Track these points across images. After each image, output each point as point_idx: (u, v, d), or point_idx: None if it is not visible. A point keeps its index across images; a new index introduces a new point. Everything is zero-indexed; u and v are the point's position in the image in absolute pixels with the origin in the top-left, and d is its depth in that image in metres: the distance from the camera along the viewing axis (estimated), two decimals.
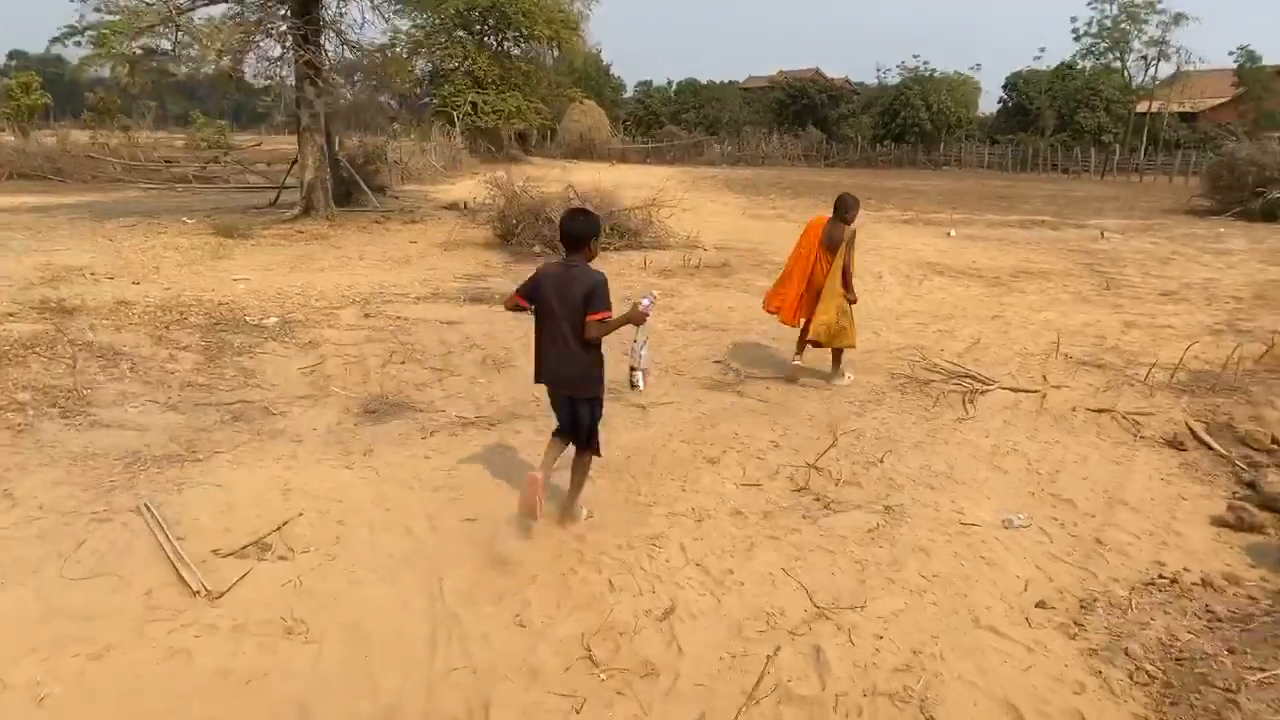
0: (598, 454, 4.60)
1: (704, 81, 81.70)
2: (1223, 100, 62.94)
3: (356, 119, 20.88)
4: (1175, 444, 6.23)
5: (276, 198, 18.70)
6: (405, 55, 28.13)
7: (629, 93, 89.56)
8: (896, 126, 61.41)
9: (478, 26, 44.08)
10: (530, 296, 4.41)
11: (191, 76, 18.70)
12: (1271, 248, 17.65)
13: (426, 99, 41.16)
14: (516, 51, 46.32)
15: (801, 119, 69.16)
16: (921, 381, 7.21)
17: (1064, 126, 61.01)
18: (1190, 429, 6.41)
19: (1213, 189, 26.78)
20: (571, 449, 4.54)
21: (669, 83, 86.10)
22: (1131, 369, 7.62)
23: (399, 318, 8.72)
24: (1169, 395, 6.93)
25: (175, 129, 55.85)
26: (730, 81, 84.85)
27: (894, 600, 3.89)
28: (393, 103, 24.60)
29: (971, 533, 4.69)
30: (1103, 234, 19.14)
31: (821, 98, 70.14)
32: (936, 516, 4.86)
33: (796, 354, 7.22)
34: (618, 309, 4.45)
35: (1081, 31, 60.45)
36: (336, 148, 18.78)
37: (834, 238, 6.93)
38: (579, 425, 4.48)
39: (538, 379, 4.53)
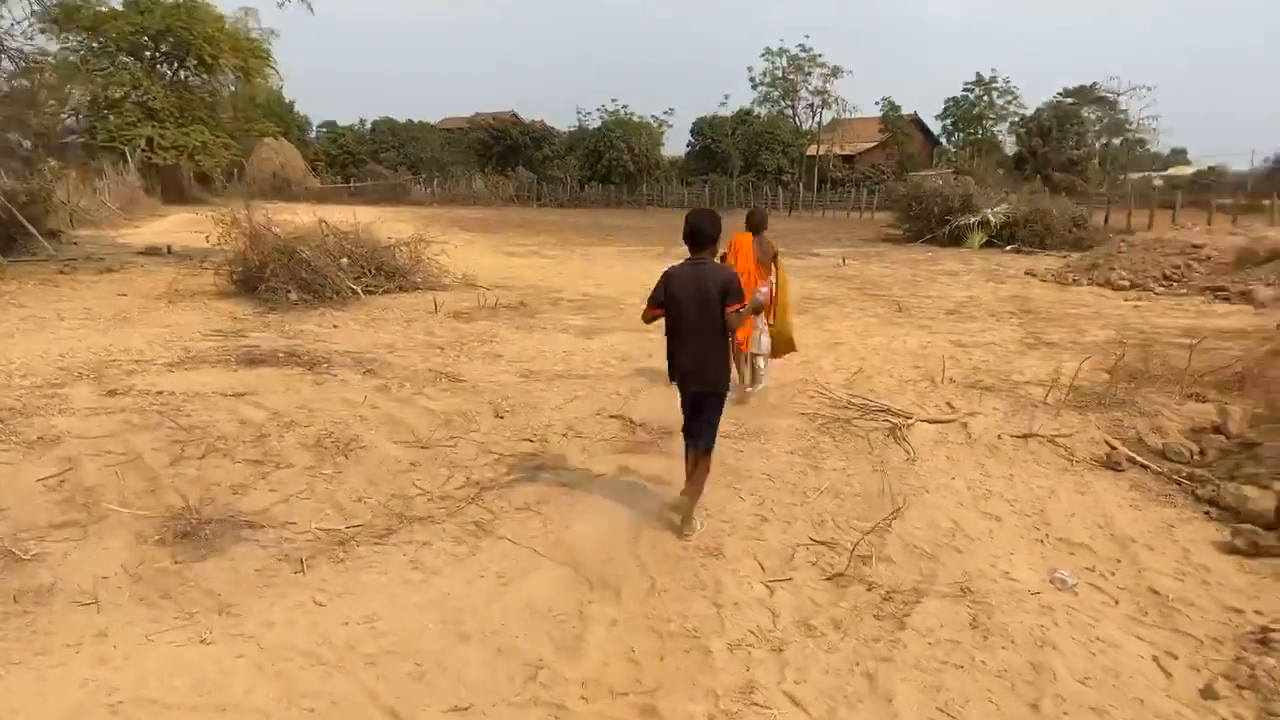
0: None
1: (401, 120, 78.96)
2: (872, 144, 71.96)
3: None
4: (1112, 465, 5.94)
5: None
6: (54, 81, 23.56)
7: (313, 133, 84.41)
8: (602, 167, 63.07)
9: (148, 53, 38.68)
10: (662, 301, 4.49)
11: None
12: (982, 268, 19.59)
13: (74, 134, 35.03)
14: (196, 81, 41.29)
15: (505, 159, 68.92)
16: (841, 420, 6.42)
17: (749, 167, 66.26)
18: (1112, 447, 6.19)
19: (904, 219, 29.80)
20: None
21: (361, 121, 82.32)
22: (1020, 390, 7.42)
23: (160, 393, 6.42)
24: (1073, 414, 6.72)
25: None
26: (425, 121, 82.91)
27: None
28: (25, 141, 20.12)
29: (1050, 604, 3.88)
30: (843, 260, 20.24)
31: (525, 139, 70.39)
32: (999, 588, 4.00)
33: (742, 382, 6.98)
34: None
35: (758, 81, 66.11)
36: None
37: (766, 252, 7.13)
38: (700, 421, 4.57)
39: (673, 378, 4.65)
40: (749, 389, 7.05)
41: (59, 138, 32.53)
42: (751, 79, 65.71)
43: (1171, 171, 75.80)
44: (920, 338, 10.06)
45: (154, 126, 36.78)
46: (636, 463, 5.36)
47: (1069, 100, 68.39)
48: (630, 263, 18.96)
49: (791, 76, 65.87)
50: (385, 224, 28.83)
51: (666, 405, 6.55)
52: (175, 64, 38.87)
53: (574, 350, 8.90)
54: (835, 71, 64.33)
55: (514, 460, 5.24)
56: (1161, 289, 15.16)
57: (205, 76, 39.89)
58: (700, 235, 4.53)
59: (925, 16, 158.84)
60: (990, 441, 6.21)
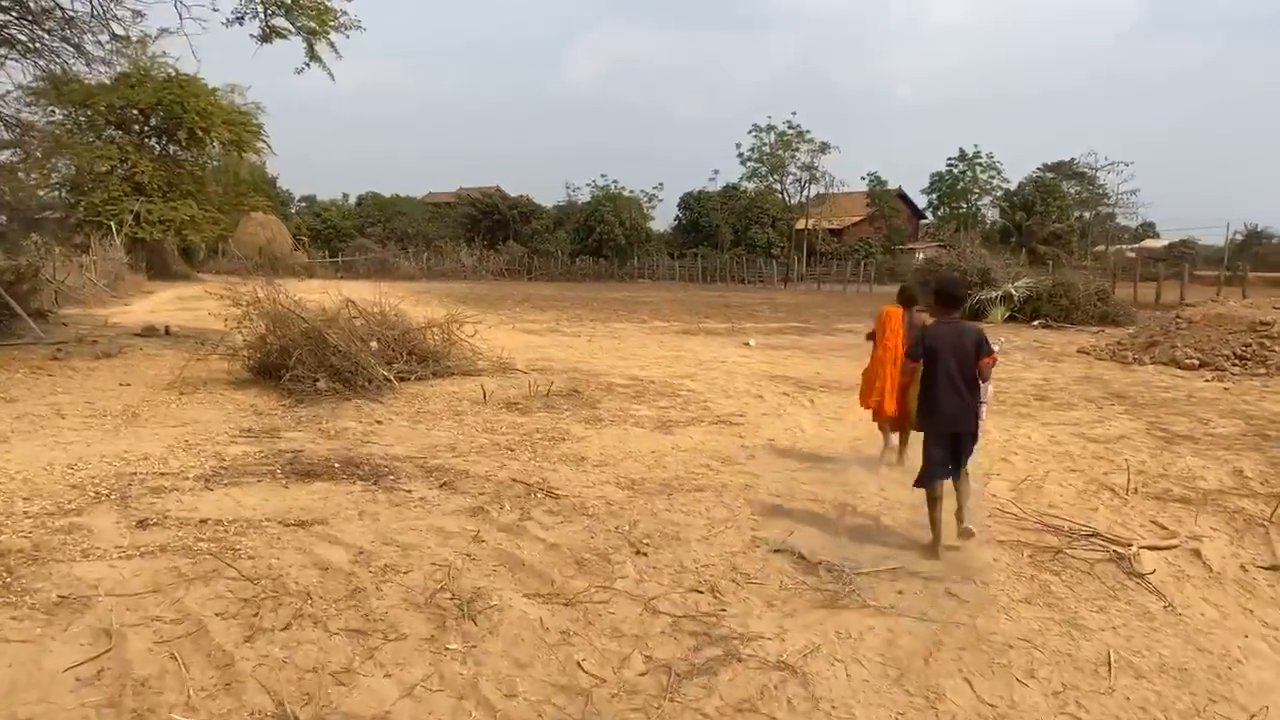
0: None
1: (387, 195, 78.64)
2: (859, 218, 72.39)
3: None
4: None
5: None
6: (39, 156, 22.54)
7: (294, 208, 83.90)
8: (594, 241, 62.65)
9: (136, 126, 37.81)
10: (919, 354, 5.16)
11: None
12: (1024, 344, 18.72)
13: (50, 211, 33.63)
14: (185, 155, 40.40)
15: (494, 234, 68.45)
16: (1049, 549, 5.23)
17: (739, 241, 66.16)
18: None
19: (920, 294, 29.10)
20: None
21: (345, 196, 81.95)
22: (1221, 501, 6.28)
23: (203, 521, 5.11)
24: None
25: None
26: (410, 196, 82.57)
27: None
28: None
29: None
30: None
31: (513, 213, 70.09)
32: None
33: (888, 447, 7.42)
34: None
35: (746, 157, 66.46)
36: None
37: (916, 326, 6.93)
38: (961, 457, 5.19)
39: (936, 426, 5.14)
40: (904, 453, 7.17)
41: (36, 212, 31.38)
42: (740, 154, 66.13)
43: (1145, 244, 77.00)
44: (1037, 431, 8.96)
45: (141, 201, 35.67)
46: (849, 623, 4.12)
47: (1049, 175, 69.51)
48: (658, 341, 17.88)
49: (780, 152, 66.27)
50: (385, 300, 27.75)
51: (826, 533, 5.36)
52: (165, 138, 37.96)
53: (662, 450, 7.68)
54: (823, 147, 64.85)
55: (694, 625, 3.99)
56: (1238, 369, 14.26)
57: (194, 151, 39.03)
58: (951, 298, 5.40)
59: (891, 96, 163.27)
60: (1237, 575, 5.05)
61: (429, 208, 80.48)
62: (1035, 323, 24.09)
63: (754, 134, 65.60)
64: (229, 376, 10.95)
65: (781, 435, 8.58)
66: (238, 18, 13.56)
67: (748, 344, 17.52)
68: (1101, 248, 69.69)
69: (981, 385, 5.18)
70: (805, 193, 67.40)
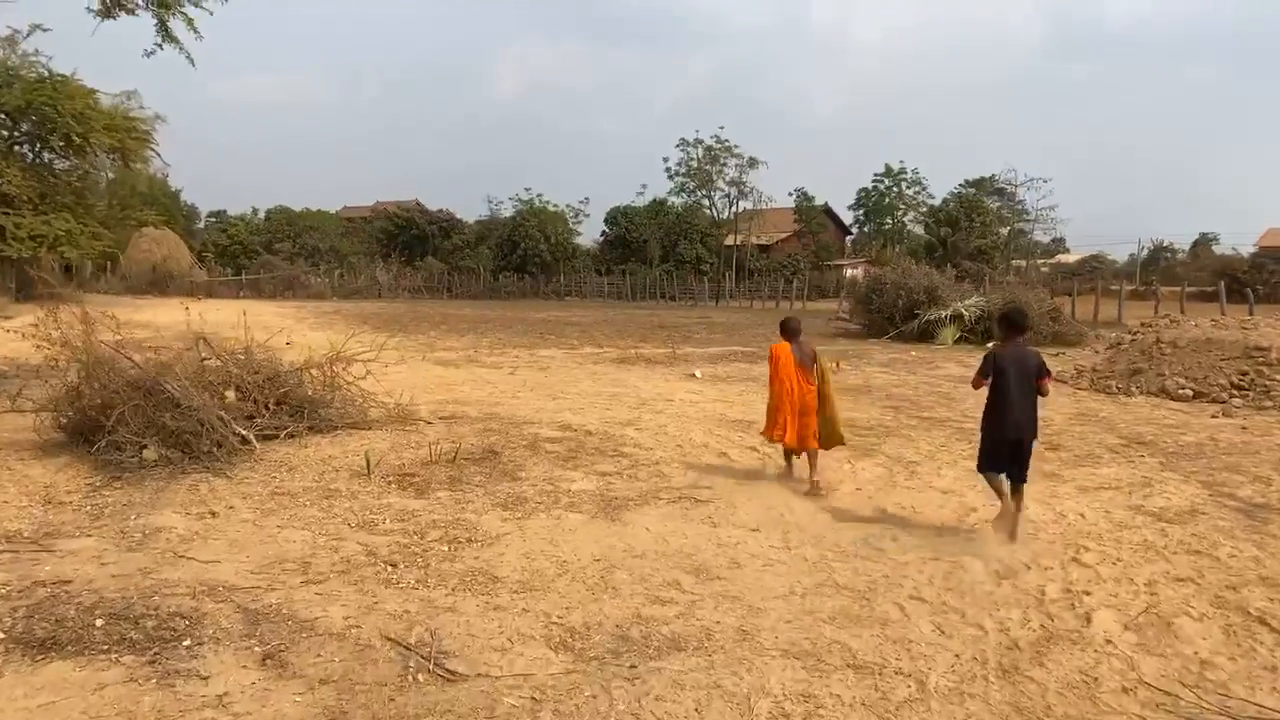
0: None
1: (298, 209, 74.49)
2: (787, 234, 71.52)
3: None
4: None
5: None
6: None
7: (201, 223, 79.19)
8: (518, 258, 60.09)
9: (4, 132, 33.94)
10: (989, 373, 5.96)
11: None
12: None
13: None
14: (64, 165, 36.58)
15: (411, 249, 65.31)
16: None
17: (667, 257, 64.43)
18: None
19: (865, 312, 27.59)
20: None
21: (254, 210, 77.49)
22: None
23: None
24: None
25: None
26: (323, 210, 78.52)
27: None
28: None
29: None
30: (838, 365, 17.44)
31: (432, 229, 67.07)
32: None
33: (790, 471, 7.81)
34: None
35: (674, 171, 64.74)
36: None
37: (807, 355, 7.55)
38: (1023, 461, 6.00)
39: (1007, 433, 5.92)
40: (817, 489, 7.29)
41: None
42: (667, 169, 64.31)
43: (1059, 259, 78.23)
44: (1082, 501, 7.04)
45: (7, 214, 31.87)
46: None
47: (971, 191, 69.85)
48: (591, 372, 15.63)
49: (708, 167, 64.77)
50: (283, 322, 24.86)
51: None
52: (38, 144, 34.18)
53: (611, 557, 5.48)
54: (751, 162, 63.56)
55: None
56: (1239, 401, 12.76)
57: (74, 159, 35.33)
58: (1021, 327, 6.27)
59: (812, 114, 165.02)
60: None
61: (343, 222, 76.69)
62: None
63: (681, 148, 63.95)
64: (36, 438, 8.31)
65: (765, 520, 6.46)
66: None
67: (694, 375, 15.43)
68: (1021, 263, 70.26)
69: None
70: (734, 208, 66.08)
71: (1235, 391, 13.17)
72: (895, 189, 73.17)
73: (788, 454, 7.85)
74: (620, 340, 22.86)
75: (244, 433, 8.31)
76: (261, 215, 75.29)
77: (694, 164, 64.66)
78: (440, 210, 70.70)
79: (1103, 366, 15.94)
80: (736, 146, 63.40)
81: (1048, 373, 5.95)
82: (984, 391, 6.19)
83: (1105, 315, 30.57)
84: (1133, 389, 14.11)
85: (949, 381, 15.31)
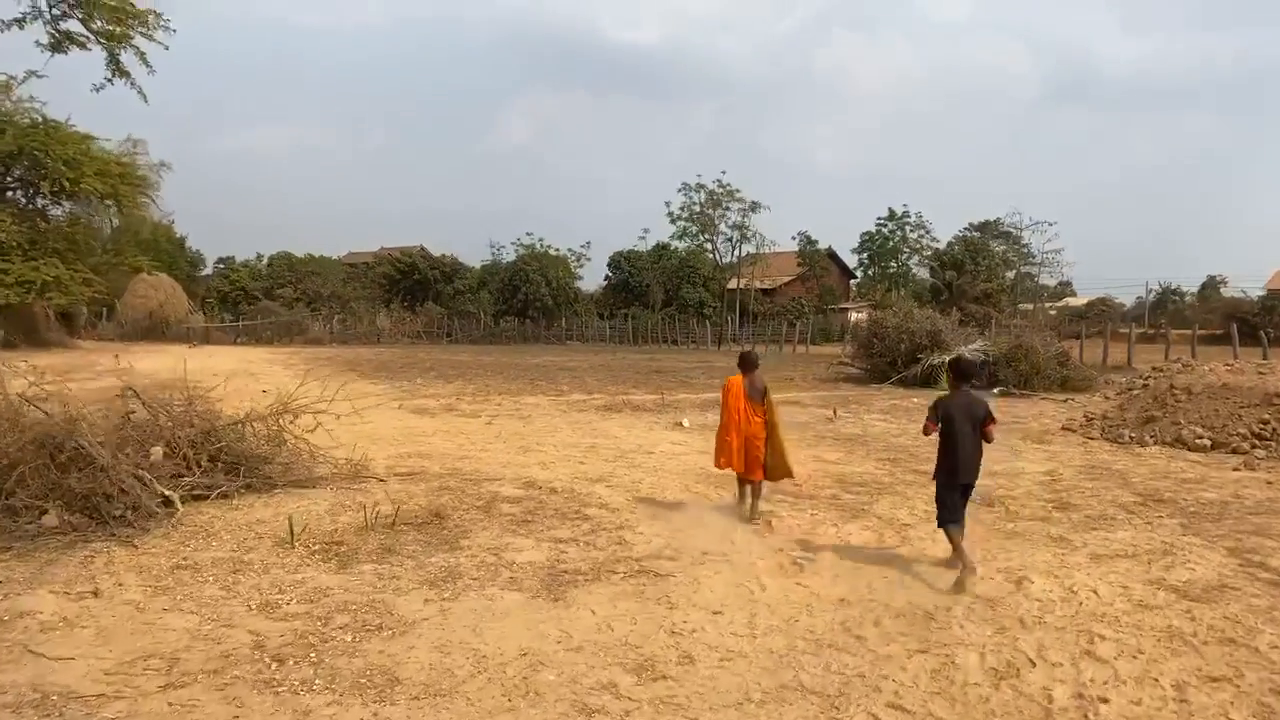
0: None
1: (300, 255, 74.38)
2: (791, 278, 71.04)
3: None
4: None
5: None
6: None
7: (207, 269, 79.13)
8: (519, 302, 59.65)
9: None
10: (939, 419, 6.08)
11: None
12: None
13: None
14: (58, 211, 36.38)
15: (414, 295, 65.03)
16: None
17: (670, 301, 63.93)
18: None
19: (866, 357, 26.79)
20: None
21: (259, 256, 77.49)
22: None
23: None
24: None
25: None
26: (326, 256, 78.47)
27: None
28: None
29: None
30: (834, 413, 16.61)
31: (434, 273, 66.81)
32: None
33: (741, 501, 8.05)
34: None
35: (676, 215, 64.51)
36: None
37: (758, 389, 7.87)
38: (966, 501, 6.13)
39: (958, 478, 6.07)
40: (755, 518, 7.74)
41: None
42: (669, 213, 64.12)
43: (1066, 301, 77.40)
44: (1096, 574, 6.19)
45: None
46: None
47: (976, 234, 69.42)
48: (573, 422, 14.83)
49: (710, 211, 64.54)
50: (262, 370, 24.17)
51: None
52: (31, 190, 33.95)
53: (542, 650, 4.65)
54: (754, 206, 63.36)
55: None
56: (1262, 453, 11.88)
57: (66, 205, 35.12)
58: (967, 375, 6.47)
59: (815, 161, 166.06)
60: None
61: (346, 267, 76.60)
62: (995, 390, 21.80)
63: (683, 192, 63.83)
64: None
65: (732, 598, 5.63)
66: (17, 20, 10.39)
67: (681, 424, 14.63)
68: (1029, 306, 69.43)
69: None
70: (736, 252, 65.70)
71: (1257, 441, 12.30)
72: (899, 232, 72.71)
73: (740, 484, 8.08)
74: (611, 387, 22.09)
75: (167, 493, 7.55)
76: (265, 262, 75.24)
77: (696, 208, 64.51)
78: (443, 255, 70.54)
79: (1114, 414, 15.08)
80: (738, 190, 63.30)
81: (993, 419, 6.15)
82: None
83: (1115, 359, 29.66)
84: (1146, 438, 13.25)
85: None
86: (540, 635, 4.88)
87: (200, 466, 8.19)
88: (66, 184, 32.41)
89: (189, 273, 72.30)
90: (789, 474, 7.91)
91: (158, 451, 7.96)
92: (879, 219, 72.85)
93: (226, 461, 8.46)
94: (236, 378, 18.26)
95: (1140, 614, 5.35)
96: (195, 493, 7.94)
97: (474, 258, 73.81)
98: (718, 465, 8.09)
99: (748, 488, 7.98)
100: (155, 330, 47.61)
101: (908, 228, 72.67)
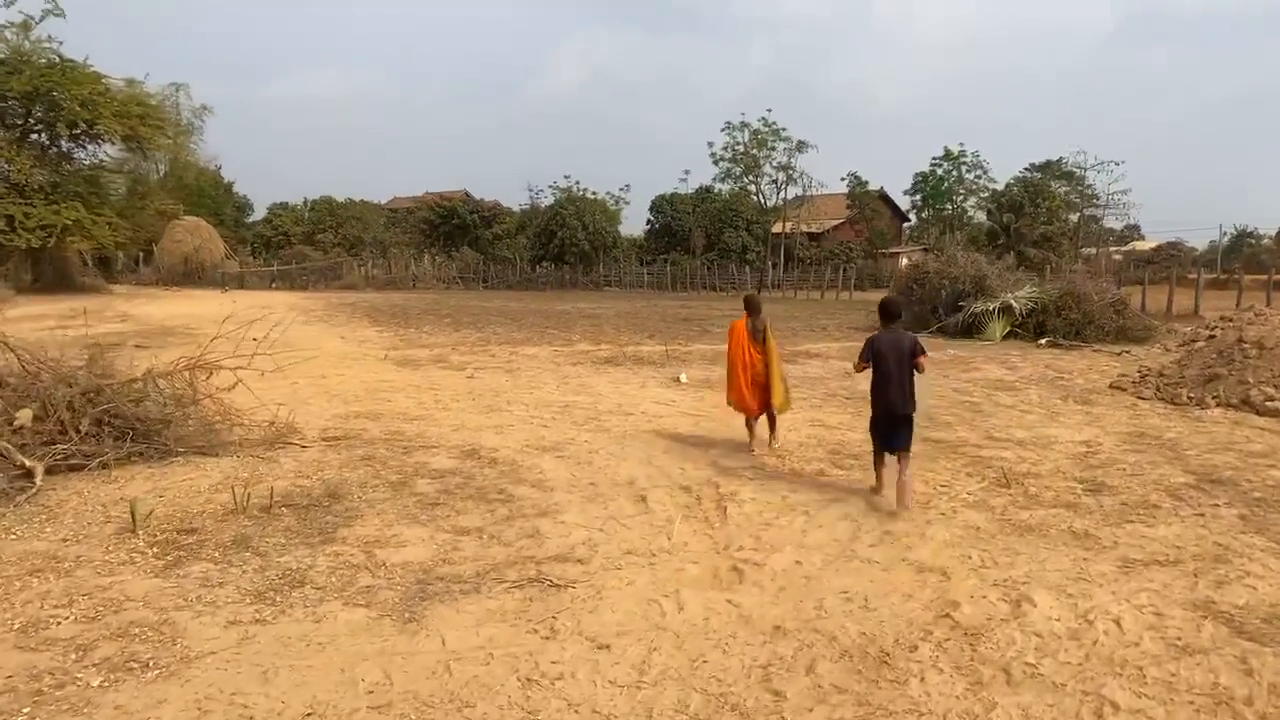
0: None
1: (341, 199, 73.76)
2: (839, 221, 68.29)
3: None
4: None
5: None
6: None
7: (258, 214, 79.08)
8: (555, 247, 58.30)
9: (20, 121, 33.28)
10: (869, 357, 6.45)
11: None
12: (1034, 373, 14.57)
13: None
14: (82, 153, 35.95)
15: (453, 240, 64.12)
16: None
17: (711, 246, 61.93)
18: None
19: (905, 304, 24.98)
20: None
21: (305, 201, 77.13)
22: None
23: None
24: None
25: None
26: (370, 201, 77.75)
27: None
28: None
29: None
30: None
31: (474, 218, 65.71)
32: None
33: (754, 438, 8.42)
34: None
35: (719, 157, 62.12)
36: None
37: (759, 330, 8.30)
38: (905, 433, 6.38)
39: (885, 408, 6.41)
40: (773, 443, 8.40)
41: None
42: (712, 154, 61.69)
43: (1133, 246, 73.24)
44: (1120, 591, 4.76)
45: (19, 204, 31.14)
46: None
47: (1037, 175, 65.66)
48: (563, 376, 13.57)
49: (754, 151, 61.99)
50: (290, 315, 23.38)
51: None
52: (52, 132, 33.46)
53: (337, 705, 3.46)
54: (800, 146, 60.56)
55: None
56: None
57: (86, 147, 34.63)
58: (894, 314, 6.71)
59: (873, 101, 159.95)
60: None
61: (388, 212, 75.91)
62: (1042, 341, 19.94)
63: (727, 132, 61.31)
64: None
65: (633, 622, 4.36)
66: None
67: (679, 379, 13.28)
68: (1091, 250, 65.77)
69: (916, 377, 6.37)
70: (782, 194, 63.21)
71: None
72: (955, 173, 69.28)
73: (748, 422, 8.50)
74: (625, 336, 20.76)
75: (28, 463, 6.52)
76: (307, 206, 74.88)
77: (740, 148, 62.04)
78: (486, 200, 69.33)
79: (1171, 370, 13.32)
80: (784, 129, 60.60)
81: (922, 351, 6.38)
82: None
83: (1181, 307, 27.29)
84: (1208, 399, 11.54)
85: (983, 388, 12.87)
86: (348, 682, 3.67)
87: (79, 432, 7.14)
88: (84, 125, 31.83)
89: (236, 218, 72.45)
90: (788, 404, 8.53)
91: (26, 414, 6.93)
92: (934, 158, 69.53)
93: (116, 426, 7.41)
94: (213, 326, 17.38)
95: (1176, 660, 3.94)
96: (71, 462, 6.91)
97: (519, 202, 72.54)
98: (728, 401, 8.59)
99: (755, 424, 8.44)
100: (191, 275, 47.46)
101: (964, 168, 69.22)
